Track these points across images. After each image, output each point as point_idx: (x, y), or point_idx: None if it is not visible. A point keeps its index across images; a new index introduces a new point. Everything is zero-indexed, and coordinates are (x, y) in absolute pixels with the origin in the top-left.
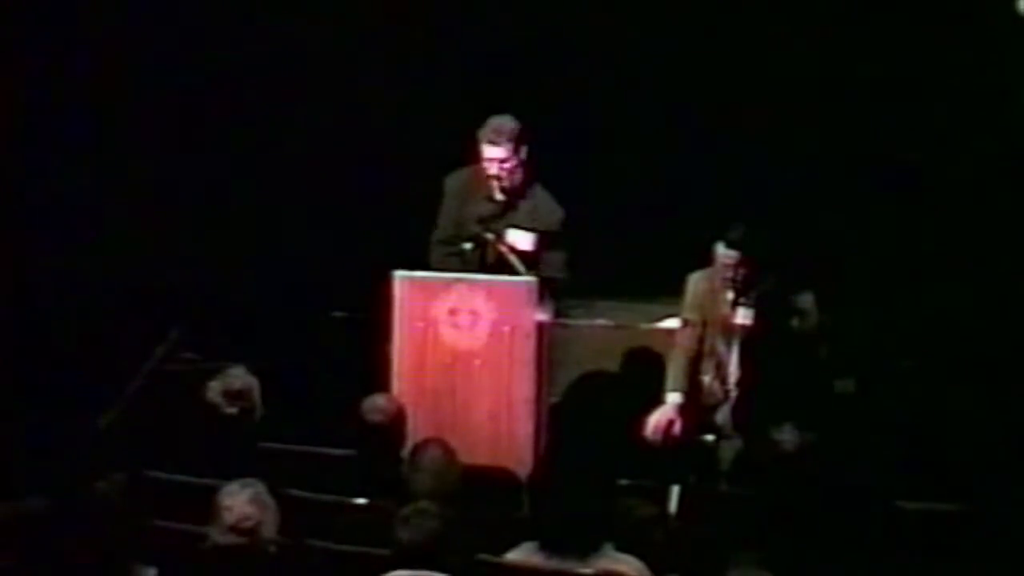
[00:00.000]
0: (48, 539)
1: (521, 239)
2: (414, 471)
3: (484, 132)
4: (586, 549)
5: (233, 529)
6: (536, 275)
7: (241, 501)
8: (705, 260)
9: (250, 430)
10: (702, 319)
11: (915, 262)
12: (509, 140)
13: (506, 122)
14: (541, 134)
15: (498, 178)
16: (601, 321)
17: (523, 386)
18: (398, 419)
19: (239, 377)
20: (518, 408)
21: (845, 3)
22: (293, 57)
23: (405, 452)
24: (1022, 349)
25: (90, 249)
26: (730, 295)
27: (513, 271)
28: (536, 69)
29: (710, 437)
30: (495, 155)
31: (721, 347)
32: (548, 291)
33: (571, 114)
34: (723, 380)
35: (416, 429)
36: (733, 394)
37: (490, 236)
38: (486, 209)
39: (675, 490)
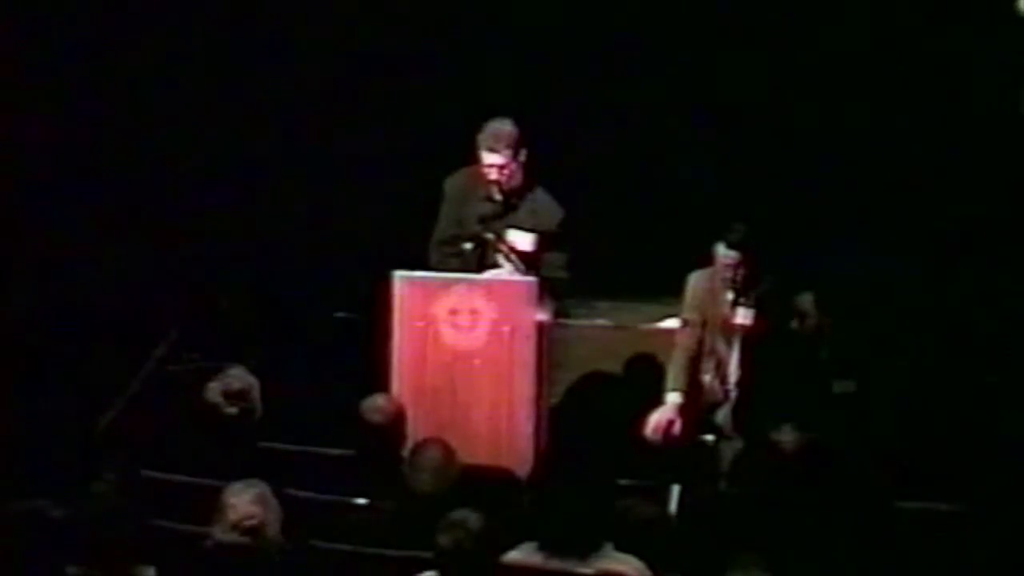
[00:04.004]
0: (48, 539)
1: (521, 240)
2: (414, 471)
3: (483, 139)
4: (586, 549)
5: (236, 527)
6: (536, 275)
7: (245, 500)
8: (705, 260)
9: (250, 430)
10: (702, 319)
11: (915, 262)
12: (507, 146)
13: (504, 127)
14: (541, 134)
15: (498, 183)
16: (601, 321)
17: (523, 386)
18: (398, 419)
19: (239, 377)
20: (518, 408)
21: (846, 4)
22: (293, 57)
23: (405, 452)
24: (1022, 349)
25: (90, 248)
26: (730, 295)
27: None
28: (536, 69)
29: (710, 437)
30: (495, 162)
31: (721, 347)
32: (548, 291)
33: (571, 114)
34: (723, 380)
35: (416, 429)
36: (733, 394)
37: (490, 236)
38: (486, 209)
39: (675, 490)
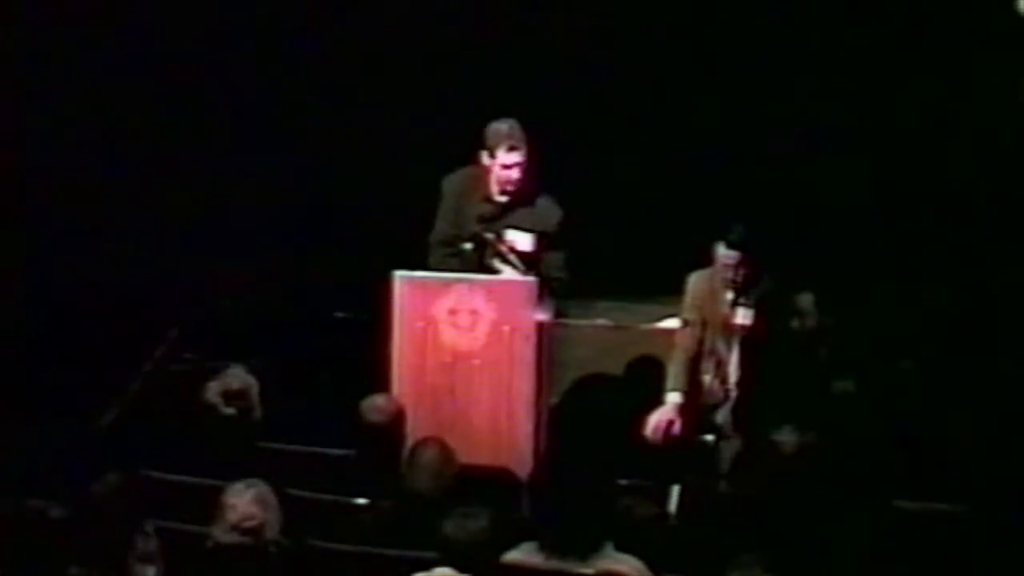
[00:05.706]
0: (48, 539)
1: (521, 240)
2: (412, 470)
3: (502, 138)
4: (586, 549)
5: (236, 528)
6: (536, 275)
7: (245, 500)
8: (705, 260)
9: (249, 430)
10: (702, 319)
11: (914, 262)
12: (524, 143)
13: (516, 126)
14: (540, 135)
15: (515, 182)
16: (601, 321)
17: (523, 386)
18: (398, 419)
19: (238, 377)
20: (518, 408)
21: (845, 4)
22: (294, 58)
23: (405, 452)
24: (1021, 348)
25: (90, 249)
26: (730, 295)
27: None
28: (536, 70)
29: (710, 437)
30: (517, 160)
31: (721, 347)
32: (548, 291)
33: (571, 114)
34: (723, 380)
35: (416, 429)
36: (733, 394)
37: (490, 236)
38: (486, 209)
39: (675, 490)
